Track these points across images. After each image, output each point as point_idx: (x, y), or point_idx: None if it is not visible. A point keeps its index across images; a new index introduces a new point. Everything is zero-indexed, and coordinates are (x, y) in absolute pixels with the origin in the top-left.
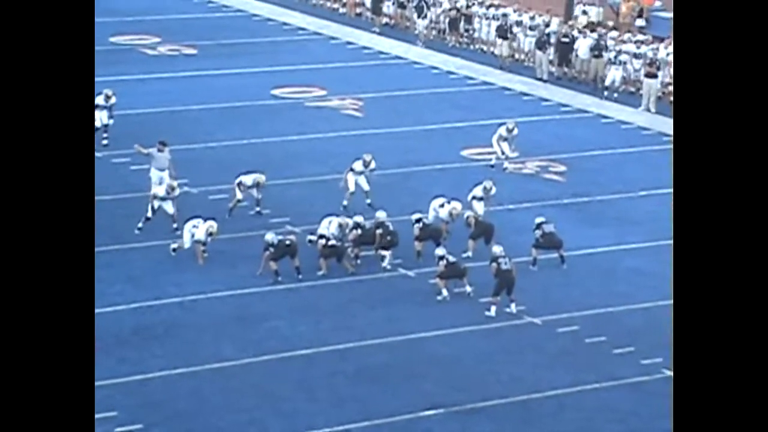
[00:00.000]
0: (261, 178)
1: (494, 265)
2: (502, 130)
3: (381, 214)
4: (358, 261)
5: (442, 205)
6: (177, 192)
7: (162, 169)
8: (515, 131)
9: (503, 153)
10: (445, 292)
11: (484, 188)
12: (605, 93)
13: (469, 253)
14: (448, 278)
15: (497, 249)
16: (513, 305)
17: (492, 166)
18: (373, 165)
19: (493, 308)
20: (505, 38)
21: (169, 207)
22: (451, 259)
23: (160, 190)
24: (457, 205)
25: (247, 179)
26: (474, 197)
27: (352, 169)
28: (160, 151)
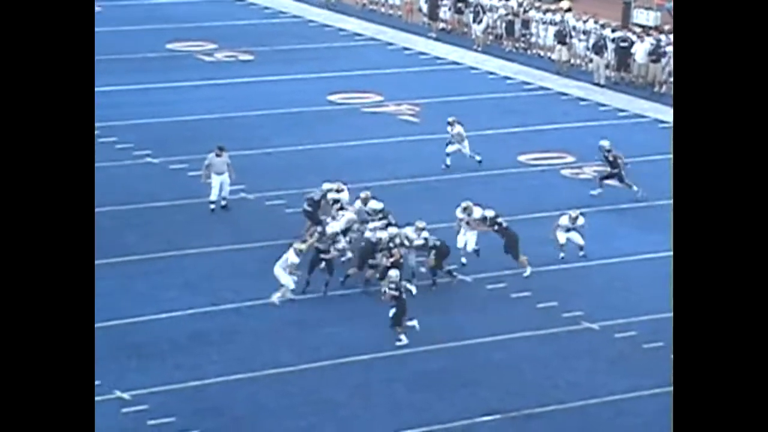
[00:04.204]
0: (367, 194)
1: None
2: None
3: (420, 224)
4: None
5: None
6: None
7: (221, 173)
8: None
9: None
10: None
11: (570, 217)
12: None
13: (527, 273)
14: (438, 266)
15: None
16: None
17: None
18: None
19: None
20: (563, 43)
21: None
22: (434, 241)
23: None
24: (489, 212)
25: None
26: (559, 226)
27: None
28: (218, 155)
